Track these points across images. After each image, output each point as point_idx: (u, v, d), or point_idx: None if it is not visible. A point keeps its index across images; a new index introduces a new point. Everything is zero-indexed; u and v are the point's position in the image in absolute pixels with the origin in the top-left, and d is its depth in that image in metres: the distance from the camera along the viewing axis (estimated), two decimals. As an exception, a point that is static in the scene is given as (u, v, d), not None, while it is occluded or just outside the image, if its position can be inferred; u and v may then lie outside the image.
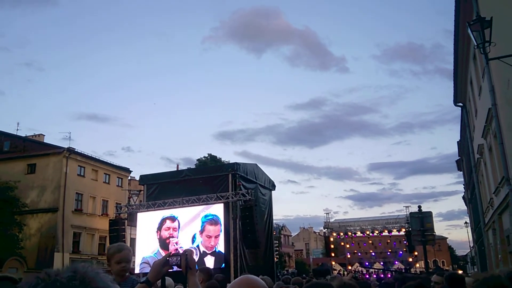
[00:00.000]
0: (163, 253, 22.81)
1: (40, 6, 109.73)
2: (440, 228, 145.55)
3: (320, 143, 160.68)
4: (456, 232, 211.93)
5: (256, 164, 28.99)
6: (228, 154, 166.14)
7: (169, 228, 24.48)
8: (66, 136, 79.89)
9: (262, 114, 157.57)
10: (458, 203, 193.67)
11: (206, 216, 23.61)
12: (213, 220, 23.31)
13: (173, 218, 24.52)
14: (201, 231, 23.40)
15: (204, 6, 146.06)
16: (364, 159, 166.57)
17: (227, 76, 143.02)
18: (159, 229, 24.68)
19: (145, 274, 22.62)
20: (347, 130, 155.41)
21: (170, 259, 2.54)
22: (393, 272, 24.96)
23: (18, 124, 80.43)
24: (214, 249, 22.83)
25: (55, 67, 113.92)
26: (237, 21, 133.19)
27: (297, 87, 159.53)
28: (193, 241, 23.24)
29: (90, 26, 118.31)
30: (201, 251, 22.86)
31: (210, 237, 23.02)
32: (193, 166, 46.48)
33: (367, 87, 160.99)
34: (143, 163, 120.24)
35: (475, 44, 9.03)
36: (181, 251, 2.79)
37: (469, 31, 8.95)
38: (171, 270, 2.59)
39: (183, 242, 23.46)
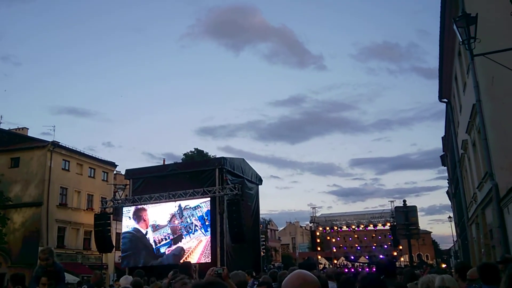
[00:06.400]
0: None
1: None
2: (422, 222, 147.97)
3: (301, 139, 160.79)
4: (438, 226, 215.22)
5: (243, 159, 28.99)
6: (211, 149, 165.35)
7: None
8: (50, 130, 76.77)
9: (243, 110, 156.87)
10: (439, 198, 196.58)
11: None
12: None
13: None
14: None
15: (180, 2, 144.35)
16: (346, 155, 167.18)
17: (206, 72, 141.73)
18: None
19: (130, 268, 22.44)
20: (327, 126, 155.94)
21: None
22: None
23: (1, 117, 71.14)
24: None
25: (32, 61, 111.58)
26: (213, 19, 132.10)
27: (276, 84, 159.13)
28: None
29: (67, 19, 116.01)
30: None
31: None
32: (177, 161, 46.22)
33: (345, 85, 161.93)
34: (124, 159, 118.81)
35: (460, 40, 9.09)
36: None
37: (455, 27, 9.01)
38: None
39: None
